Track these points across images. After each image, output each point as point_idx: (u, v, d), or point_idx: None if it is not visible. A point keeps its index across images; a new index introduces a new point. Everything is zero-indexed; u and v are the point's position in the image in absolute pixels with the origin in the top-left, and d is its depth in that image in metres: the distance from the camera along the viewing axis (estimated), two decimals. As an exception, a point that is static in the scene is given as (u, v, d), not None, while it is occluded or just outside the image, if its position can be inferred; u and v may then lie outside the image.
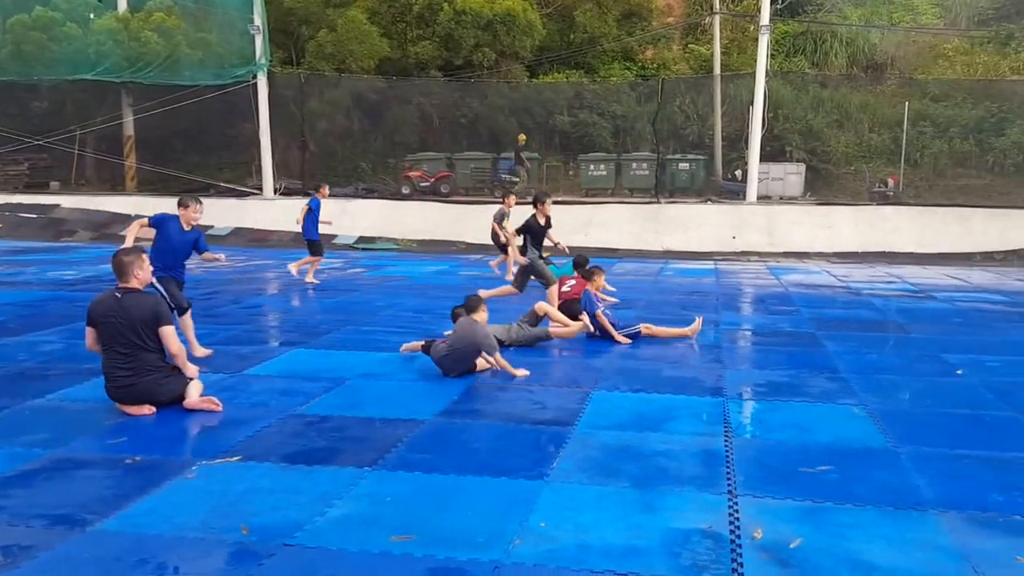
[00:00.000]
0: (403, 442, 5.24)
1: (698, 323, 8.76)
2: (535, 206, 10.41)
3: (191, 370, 6.03)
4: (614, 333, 8.45)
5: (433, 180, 24.45)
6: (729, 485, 4.52)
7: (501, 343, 7.60)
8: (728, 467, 4.80)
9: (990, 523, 4.04)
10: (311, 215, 13.79)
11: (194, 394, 5.90)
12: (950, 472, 4.73)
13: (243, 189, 24.67)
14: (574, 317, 8.88)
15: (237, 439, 5.27)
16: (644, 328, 8.67)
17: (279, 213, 22.96)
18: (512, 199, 15.25)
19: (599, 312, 8.58)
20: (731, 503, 4.27)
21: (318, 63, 25.92)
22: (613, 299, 11.19)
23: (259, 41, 23.42)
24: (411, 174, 24.66)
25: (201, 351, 7.52)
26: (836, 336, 8.90)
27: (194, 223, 7.58)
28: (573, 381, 6.93)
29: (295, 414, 5.88)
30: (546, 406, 6.02)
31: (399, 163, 26.19)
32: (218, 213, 22.99)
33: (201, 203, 7.70)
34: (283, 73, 25.83)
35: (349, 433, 5.47)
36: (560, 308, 9.32)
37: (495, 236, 14.58)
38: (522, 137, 24.78)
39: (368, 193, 24.81)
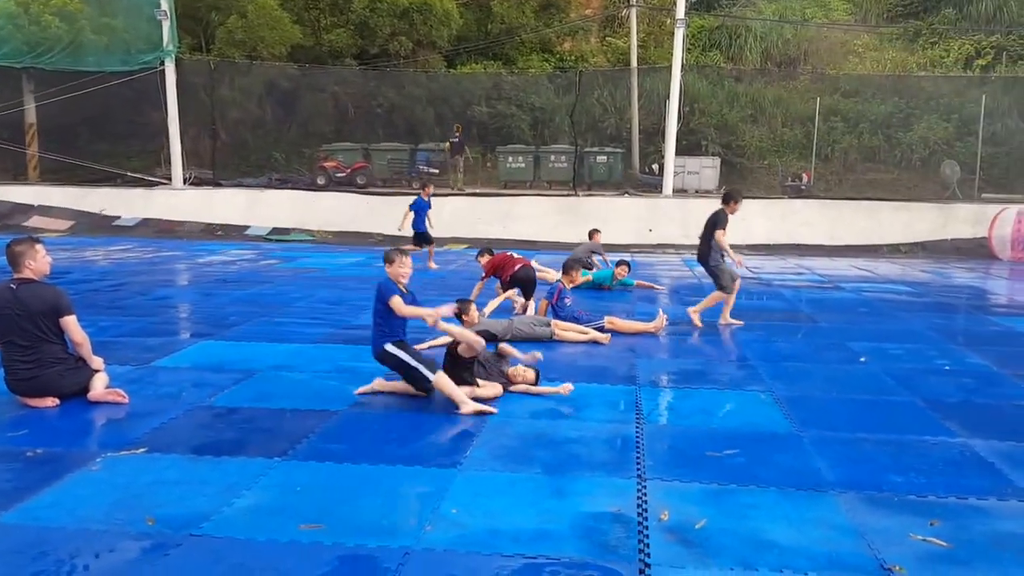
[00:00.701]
0: (315, 433, 5.24)
1: (662, 318, 8.85)
2: (727, 203, 9.55)
3: (96, 362, 5.89)
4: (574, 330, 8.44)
5: (349, 171, 24.22)
6: (639, 470, 4.65)
7: (495, 337, 7.54)
8: (638, 452, 4.94)
9: (886, 502, 4.26)
10: (420, 214, 14.48)
11: (99, 386, 5.79)
12: (850, 455, 4.96)
13: (151, 179, 24.04)
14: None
15: (143, 431, 5.20)
16: (608, 322, 8.77)
17: (188, 203, 22.48)
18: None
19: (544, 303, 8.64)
20: (640, 487, 4.40)
21: (228, 50, 25.36)
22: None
23: (166, 27, 22.82)
24: (326, 164, 24.36)
25: None
26: (746, 325, 9.20)
27: None
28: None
29: (203, 406, 5.82)
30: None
31: (314, 153, 25.86)
32: (125, 203, 22.42)
33: None
34: (192, 60, 25.19)
35: (259, 424, 5.44)
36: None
37: None
38: (458, 127, 24.74)
39: (282, 184, 24.44)
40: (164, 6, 22.62)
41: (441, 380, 5.77)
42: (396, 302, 5.84)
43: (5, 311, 5.52)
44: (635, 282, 12.32)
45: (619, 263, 12.35)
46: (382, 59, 26.76)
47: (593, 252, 13.61)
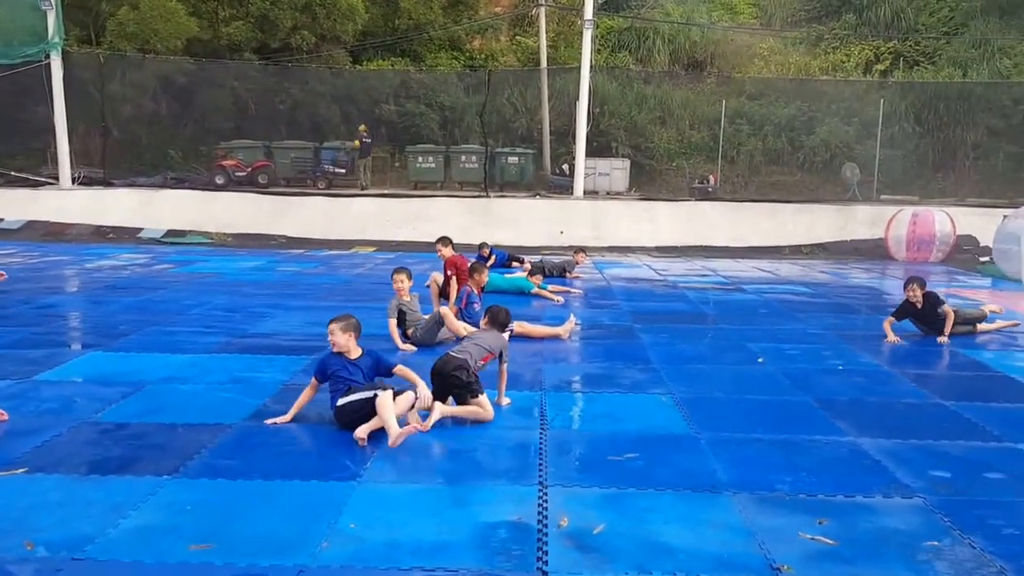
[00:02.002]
0: (207, 448, 5.15)
1: (571, 322, 8.97)
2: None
3: None
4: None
5: (250, 170, 23.75)
6: (540, 476, 4.75)
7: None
8: (541, 459, 5.04)
9: (777, 502, 4.46)
10: None
11: None
12: (744, 455, 5.17)
13: (37, 179, 23.04)
14: None
15: (23, 450, 5.02)
16: (517, 326, 8.82)
17: (77, 204, 21.63)
18: None
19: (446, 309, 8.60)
20: (541, 493, 4.49)
21: (120, 43, 24.51)
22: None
23: (51, 18, 21.85)
24: (225, 163, 23.82)
25: None
26: (651, 329, 9.45)
27: None
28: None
29: (89, 422, 5.65)
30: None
31: (212, 151, 25.22)
32: (9, 205, 21.43)
33: None
34: (80, 53, 24.25)
35: (148, 440, 5.31)
36: None
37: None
38: (363, 127, 24.49)
39: (178, 183, 23.75)
40: (48, -6, 21.70)
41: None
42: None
43: None
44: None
45: (530, 272, 12.52)
46: (284, 53, 26.31)
47: (564, 268, 13.91)
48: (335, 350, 5.75)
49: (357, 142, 24.27)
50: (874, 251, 19.60)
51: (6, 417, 5.57)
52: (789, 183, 25.82)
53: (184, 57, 25.26)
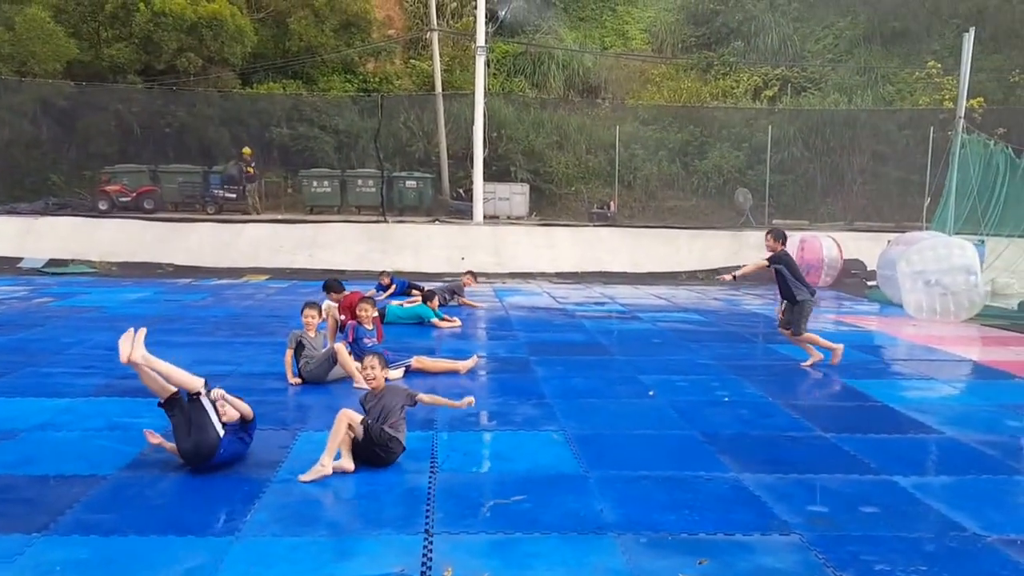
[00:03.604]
0: (80, 502, 4.99)
1: (474, 360, 9.05)
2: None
3: None
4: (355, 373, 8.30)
5: (135, 195, 23.09)
6: (427, 524, 4.75)
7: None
8: (428, 505, 5.05)
9: (660, 542, 4.57)
10: None
11: None
12: (630, 494, 5.29)
13: (-100, 207, 21.80)
14: None
15: None
16: (416, 361, 8.79)
17: (-49, 233, 20.51)
18: None
19: (340, 346, 8.49)
20: (427, 542, 4.50)
21: (-6, 65, 23.53)
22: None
23: (-81, 38, 20.82)
24: (109, 188, 23.08)
25: None
26: (547, 361, 9.59)
27: None
28: (280, 422, 6.89)
29: (-47, 475, 5.39)
30: (248, 451, 5.92)
31: (96, 176, 24.37)
32: None
33: None
34: (-49, 75, 23.16)
35: (18, 495, 5.12)
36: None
37: None
38: (247, 151, 24.04)
39: (59, 209, 22.88)
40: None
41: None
42: None
43: None
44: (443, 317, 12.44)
45: (425, 298, 12.52)
46: (170, 76, 25.67)
47: (454, 291, 13.98)
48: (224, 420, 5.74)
49: (250, 168, 23.83)
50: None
51: None
52: (685, 208, 26.59)
53: (64, 80, 24.41)
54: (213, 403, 5.63)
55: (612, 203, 25.41)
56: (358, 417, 5.70)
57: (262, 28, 27.44)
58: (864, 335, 12.45)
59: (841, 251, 19.50)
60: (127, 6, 24.80)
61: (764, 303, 16.11)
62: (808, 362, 9.60)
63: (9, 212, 22.04)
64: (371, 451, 5.66)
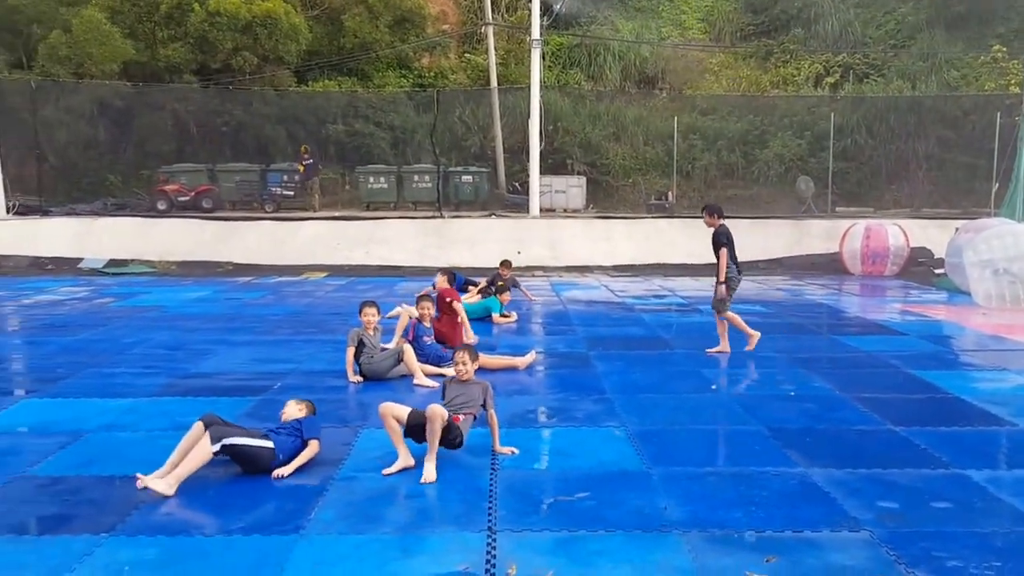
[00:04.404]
0: (146, 502, 5.10)
1: (532, 355, 9.07)
2: None
3: None
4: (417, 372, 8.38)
5: (193, 194, 23.56)
6: (490, 521, 4.77)
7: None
8: (491, 503, 5.07)
9: (726, 540, 4.53)
10: None
11: None
12: (695, 491, 5.25)
13: (-33, 209, 22.61)
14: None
15: (-45, 510, 4.96)
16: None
17: (12, 235, 21.23)
18: None
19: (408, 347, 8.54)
20: (490, 540, 4.52)
21: (52, 67, 24.30)
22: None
23: (-23, 45, 21.63)
24: (167, 188, 23.61)
25: None
26: (607, 356, 9.55)
27: None
28: (341, 419, 6.98)
29: (23, 476, 5.59)
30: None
31: (153, 175, 24.98)
32: (-60, 238, 20.97)
33: None
34: (10, 79, 23.94)
35: (86, 495, 5.26)
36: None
37: None
38: (304, 149, 24.48)
39: (118, 209, 23.47)
40: (-26, 20, 21.50)
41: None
42: None
43: None
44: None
45: (495, 291, 12.55)
46: (225, 75, 26.20)
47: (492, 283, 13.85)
48: (284, 419, 5.91)
49: (302, 166, 24.22)
50: (830, 265, 19.93)
51: None
52: (745, 197, 26.22)
53: (121, 81, 25.06)
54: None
55: (670, 194, 25.18)
56: (403, 410, 5.78)
57: (316, 25, 27.81)
58: (932, 325, 12.17)
59: (908, 239, 19.07)
60: (182, 6, 25.36)
61: (828, 293, 15.84)
62: (715, 349, 9.71)
63: (68, 213, 22.69)
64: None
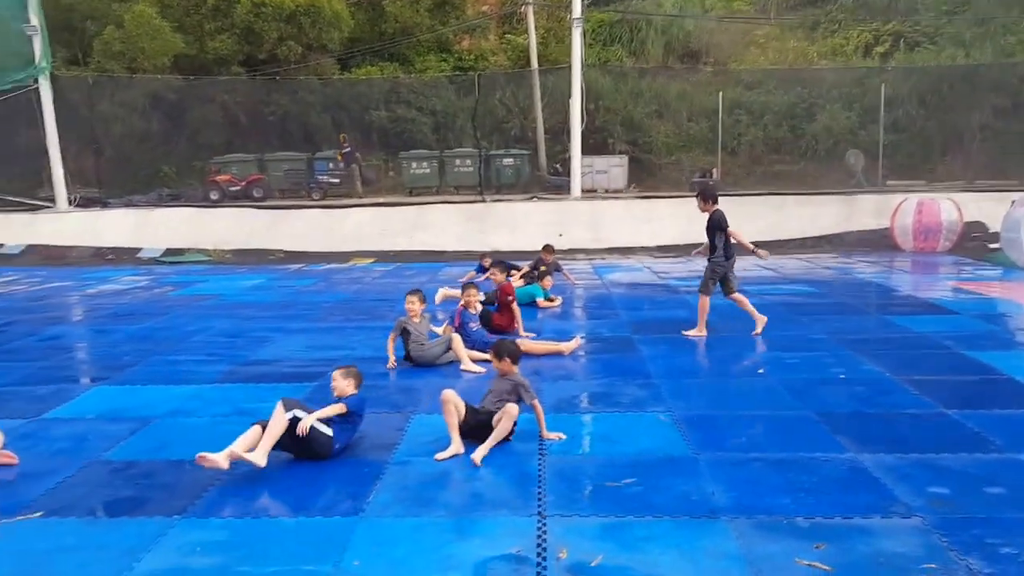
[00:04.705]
0: (214, 485, 5.35)
1: (577, 341, 9.15)
2: None
3: None
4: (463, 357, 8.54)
5: (244, 184, 24.05)
6: (540, 506, 4.91)
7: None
8: (540, 487, 5.21)
9: (775, 526, 4.58)
10: None
11: None
12: (742, 477, 5.31)
13: (34, 202, 23.45)
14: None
15: (38, 493, 5.28)
16: (520, 344, 8.95)
17: (75, 226, 22.04)
18: None
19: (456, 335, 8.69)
20: (540, 524, 4.66)
21: (107, 62, 25.05)
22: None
23: (38, 43, 22.41)
24: (219, 178, 24.18)
25: None
26: (651, 340, 9.58)
27: None
28: (393, 405, 7.18)
29: (99, 461, 5.89)
30: (365, 434, 6.21)
31: (205, 166, 25.53)
32: (8, 230, 21.95)
33: None
34: (68, 75, 24.69)
35: (157, 479, 5.53)
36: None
37: None
38: (342, 137, 24.81)
39: (173, 200, 24.14)
40: (34, 21, 22.21)
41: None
42: None
43: None
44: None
45: (539, 276, 12.66)
46: (271, 65, 26.60)
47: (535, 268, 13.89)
48: (336, 395, 6.06)
49: (340, 155, 24.57)
50: (880, 242, 19.53)
51: (16, 461, 5.80)
52: (792, 172, 25.84)
53: (172, 75, 25.62)
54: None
55: (715, 171, 24.94)
56: (463, 404, 6.00)
57: (358, 12, 28.07)
58: (986, 302, 11.93)
59: (961, 213, 18.68)
60: (228, -2, 25.83)
61: (878, 271, 15.63)
62: (692, 332, 9.67)
63: (127, 204, 23.44)
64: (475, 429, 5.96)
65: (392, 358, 8.58)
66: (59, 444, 6.26)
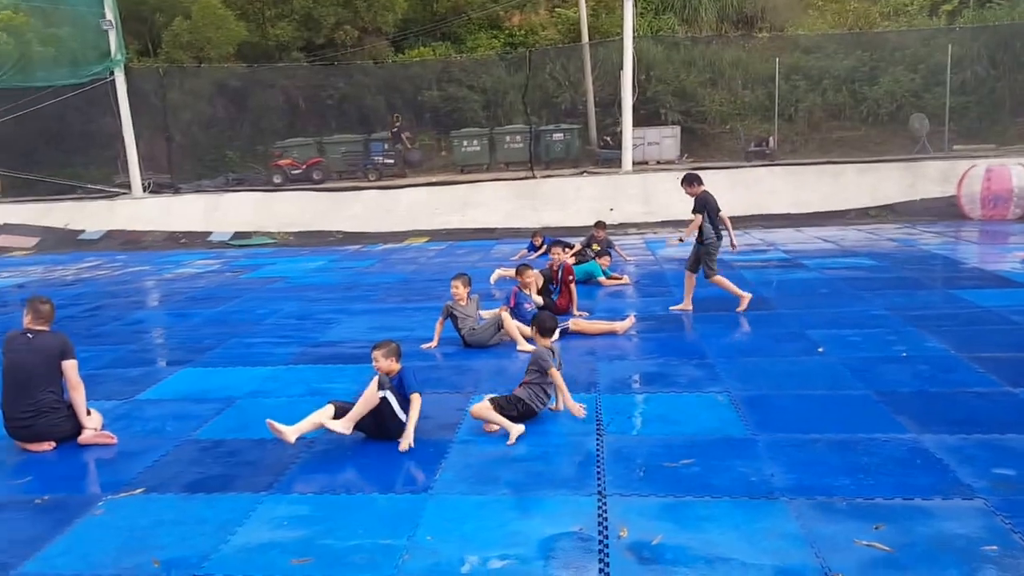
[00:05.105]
0: (295, 463, 5.64)
1: (631, 320, 9.16)
2: None
3: (91, 419, 6.28)
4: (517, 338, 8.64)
5: (305, 167, 24.58)
6: (599, 485, 5.04)
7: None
8: (599, 467, 5.34)
9: (834, 507, 4.57)
10: None
11: (91, 428, 6.22)
12: (801, 458, 5.31)
13: (111, 190, 24.48)
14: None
15: (137, 470, 5.65)
16: (573, 324, 9.04)
17: (150, 212, 23.04)
18: None
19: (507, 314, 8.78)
20: (600, 503, 4.80)
21: (175, 53, 26.07)
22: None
23: (113, 36, 23.27)
24: (282, 162, 24.81)
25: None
26: (706, 318, 9.54)
27: None
28: (453, 385, 7.37)
29: (190, 440, 6.26)
30: (429, 415, 6.34)
31: (268, 150, 26.18)
32: (89, 216, 22.98)
33: None
34: (141, 67, 25.72)
35: (243, 457, 5.85)
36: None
37: None
38: (396, 117, 25.14)
39: (239, 184, 24.95)
40: (109, 15, 23.02)
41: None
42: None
43: (19, 358, 6.04)
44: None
45: (596, 254, 12.73)
46: (329, 49, 27.10)
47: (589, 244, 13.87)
48: (381, 372, 6.15)
49: (390, 134, 24.88)
50: (946, 211, 18.91)
51: (115, 440, 6.22)
52: (853, 139, 25.27)
53: (236, 63, 26.37)
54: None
55: (771, 139, 24.53)
56: (491, 411, 6.14)
57: (411, -7, 28.35)
58: (1058, 274, 11.52)
59: (1033, 180, 18.09)
60: (288, -16, 26.38)
61: (943, 242, 15.30)
62: (740, 307, 9.71)
63: (197, 190, 24.37)
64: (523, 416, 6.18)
65: (436, 339, 8.78)
66: (152, 424, 6.66)
